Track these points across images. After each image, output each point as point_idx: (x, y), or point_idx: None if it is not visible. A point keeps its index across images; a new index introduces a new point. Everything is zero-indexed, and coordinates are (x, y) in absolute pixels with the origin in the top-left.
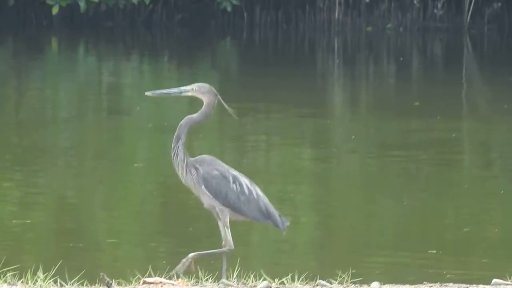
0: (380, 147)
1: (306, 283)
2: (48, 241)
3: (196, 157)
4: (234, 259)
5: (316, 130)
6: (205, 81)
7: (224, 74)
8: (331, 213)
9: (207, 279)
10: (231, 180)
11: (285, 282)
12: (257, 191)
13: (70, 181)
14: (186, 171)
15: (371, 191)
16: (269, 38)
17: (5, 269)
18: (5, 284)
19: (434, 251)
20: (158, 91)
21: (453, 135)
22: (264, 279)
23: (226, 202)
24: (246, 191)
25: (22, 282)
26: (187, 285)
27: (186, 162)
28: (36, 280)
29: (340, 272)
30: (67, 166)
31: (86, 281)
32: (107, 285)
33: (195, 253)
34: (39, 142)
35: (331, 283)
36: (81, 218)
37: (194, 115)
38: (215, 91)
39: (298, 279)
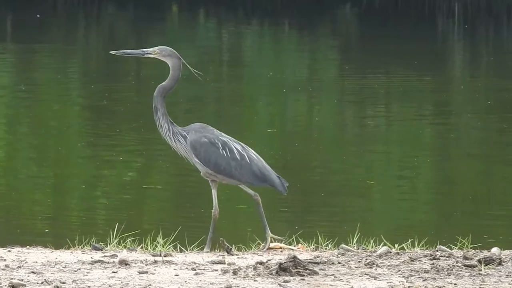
0: (499, 108)
1: (426, 248)
2: (167, 208)
3: (187, 126)
4: (354, 225)
5: (435, 95)
6: (325, 47)
7: (344, 40)
8: (451, 180)
9: (326, 244)
10: (220, 146)
11: (405, 247)
12: (250, 155)
13: None
14: (174, 139)
15: (492, 159)
16: (388, 3)
17: (125, 234)
18: (125, 250)
19: None
20: (121, 51)
21: None
22: (384, 244)
23: (216, 168)
24: (238, 156)
25: (141, 247)
26: (306, 250)
27: (172, 131)
28: (156, 246)
29: (460, 238)
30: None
31: (205, 247)
32: (226, 251)
33: (210, 233)
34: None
35: (451, 249)
36: (201, 184)
37: (164, 83)
38: (178, 54)
39: (418, 245)
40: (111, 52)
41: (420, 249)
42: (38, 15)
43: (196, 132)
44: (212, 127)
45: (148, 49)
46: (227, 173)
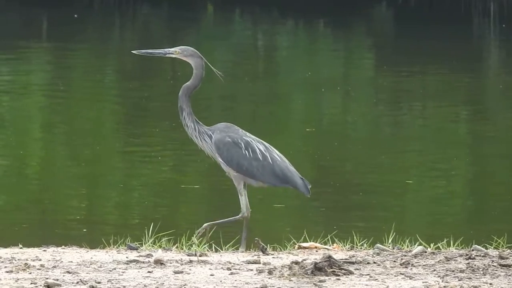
0: None
1: (462, 248)
2: (203, 207)
3: (213, 125)
4: (389, 224)
5: (471, 94)
6: (360, 46)
7: (379, 39)
8: (486, 180)
9: (362, 244)
10: (243, 147)
11: (441, 247)
12: (273, 156)
13: None
14: (200, 139)
15: None
16: (424, 2)
17: (160, 234)
18: (160, 249)
19: None
20: (143, 50)
21: None
22: (419, 244)
23: (239, 168)
24: (260, 156)
25: (176, 247)
26: (342, 250)
27: (199, 130)
28: (191, 245)
29: (495, 237)
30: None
31: (240, 246)
32: (262, 250)
33: (210, 222)
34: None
35: (486, 248)
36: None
37: (188, 83)
38: (200, 53)
39: (454, 244)
40: (133, 51)
41: (456, 249)
42: (75, 15)
43: (220, 131)
44: (237, 127)
45: (170, 49)
46: (249, 173)
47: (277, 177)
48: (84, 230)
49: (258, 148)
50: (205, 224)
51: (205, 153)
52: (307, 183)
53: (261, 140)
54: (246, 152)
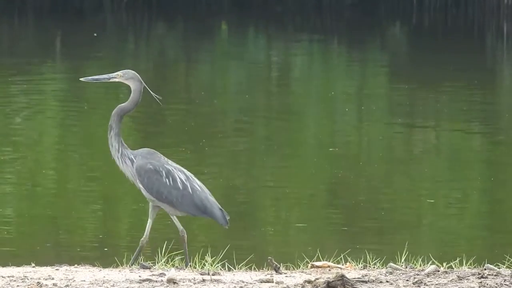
0: None
1: (474, 267)
2: (216, 226)
3: (136, 150)
4: (402, 244)
5: (486, 111)
6: (373, 65)
7: (394, 57)
8: (500, 199)
9: (374, 263)
10: (164, 175)
11: (453, 266)
12: (193, 185)
13: (237, 161)
14: (122, 161)
15: None
16: (438, 22)
17: (173, 253)
18: (173, 268)
19: None
20: (90, 77)
21: None
22: (432, 263)
23: (158, 196)
24: (180, 185)
25: (190, 266)
26: (355, 269)
27: (122, 152)
28: (204, 264)
29: (508, 256)
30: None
31: (253, 265)
32: (275, 269)
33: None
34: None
35: (499, 267)
36: (251, 203)
37: (124, 104)
38: (140, 77)
39: (466, 263)
40: (81, 79)
41: (468, 268)
42: (95, 34)
43: (143, 157)
44: (160, 154)
45: (112, 74)
46: (168, 201)
47: (196, 207)
48: (97, 249)
49: (178, 177)
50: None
51: (125, 176)
52: (226, 214)
53: (183, 169)
54: (167, 180)
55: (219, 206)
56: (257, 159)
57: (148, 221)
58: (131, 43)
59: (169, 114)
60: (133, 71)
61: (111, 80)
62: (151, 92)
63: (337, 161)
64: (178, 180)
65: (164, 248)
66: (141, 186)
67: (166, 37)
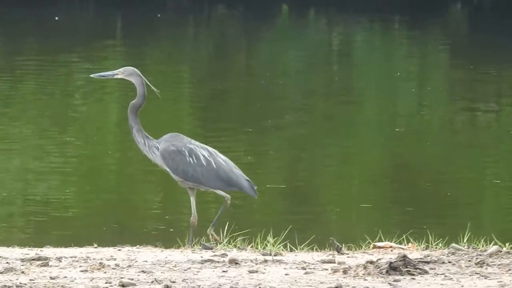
0: None
1: None
2: (278, 207)
3: (160, 138)
4: (464, 224)
5: None
6: (434, 45)
7: (454, 38)
8: None
9: (437, 244)
10: (187, 154)
11: None
12: (217, 160)
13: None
14: (150, 153)
15: None
16: (500, 2)
17: (235, 234)
18: (235, 249)
19: None
20: (97, 74)
21: None
22: (495, 243)
23: (184, 175)
24: (204, 162)
25: (251, 247)
26: (417, 249)
27: (148, 145)
28: (266, 245)
29: None
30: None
31: (315, 246)
32: (337, 250)
33: (210, 228)
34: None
35: None
36: (312, 183)
37: (134, 100)
38: (139, 72)
39: None
40: (91, 75)
41: None
42: (158, 15)
43: (165, 141)
44: (183, 136)
45: (115, 71)
46: (195, 179)
47: (222, 181)
48: (160, 230)
49: (201, 154)
50: (208, 231)
51: (158, 166)
52: (253, 185)
53: (205, 146)
54: (190, 159)
55: (246, 177)
56: (319, 139)
57: (191, 200)
58: (191, 25)
59: (233, 95)
60: (132, 67)
61: (115, 77)
62: (151, 86)
63: (401, 141)
64: (201, 157)
65: (226, 229)
66: (168, 169)
67: (226, 19)
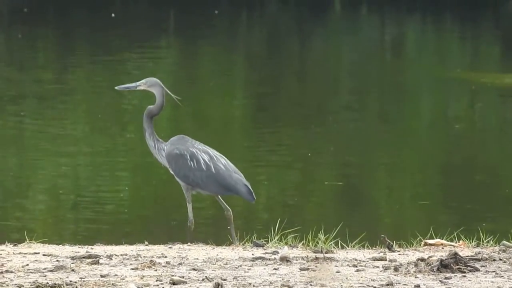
0: None
1: None
2: (328, 204)
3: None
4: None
5: None
6: (486, 43)
7: (507, 36)
8: None
9: (488, 241)
10: (188, 158)
11: None
12: (216, 165)
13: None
14: (160, 156)
15: None
16: None
17: (286, 231)
18: (286, 246)
19: None
20: (122, 86)
21: None
22: None
23: (185, 179)
24: (204, 167)
25: (302, 244)
26: (468, 246)
27: (158, 148)
28: (317, 242)
29: None
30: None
31: (366, 243)
32: (388, 247)
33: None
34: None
35: None
36: (363, 182)
37: (152, 106)
38: (160, 83)
39: None
40: (116, 88)
41: None
42: (216, 11)
43: (171, 144)
44: (188, 138)
45: (138, 82)
46: (195, 183)
47: (220, 186)
48: (211, 228)
49: (202, 158)
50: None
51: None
52: (251, 191)
53: (208, 150)
54: (191, 163)
55: (245, 182)
56: (371, 136)
57: (189, 206)
58: (244, 23)
59: (285, 92)
60: (154, 79)
61: (138, 88)
62: (171, 94)
63: (456, 139)
64: (202, 161)
65: (277, 226)
66: (172, 172)
67: (279, 15)
